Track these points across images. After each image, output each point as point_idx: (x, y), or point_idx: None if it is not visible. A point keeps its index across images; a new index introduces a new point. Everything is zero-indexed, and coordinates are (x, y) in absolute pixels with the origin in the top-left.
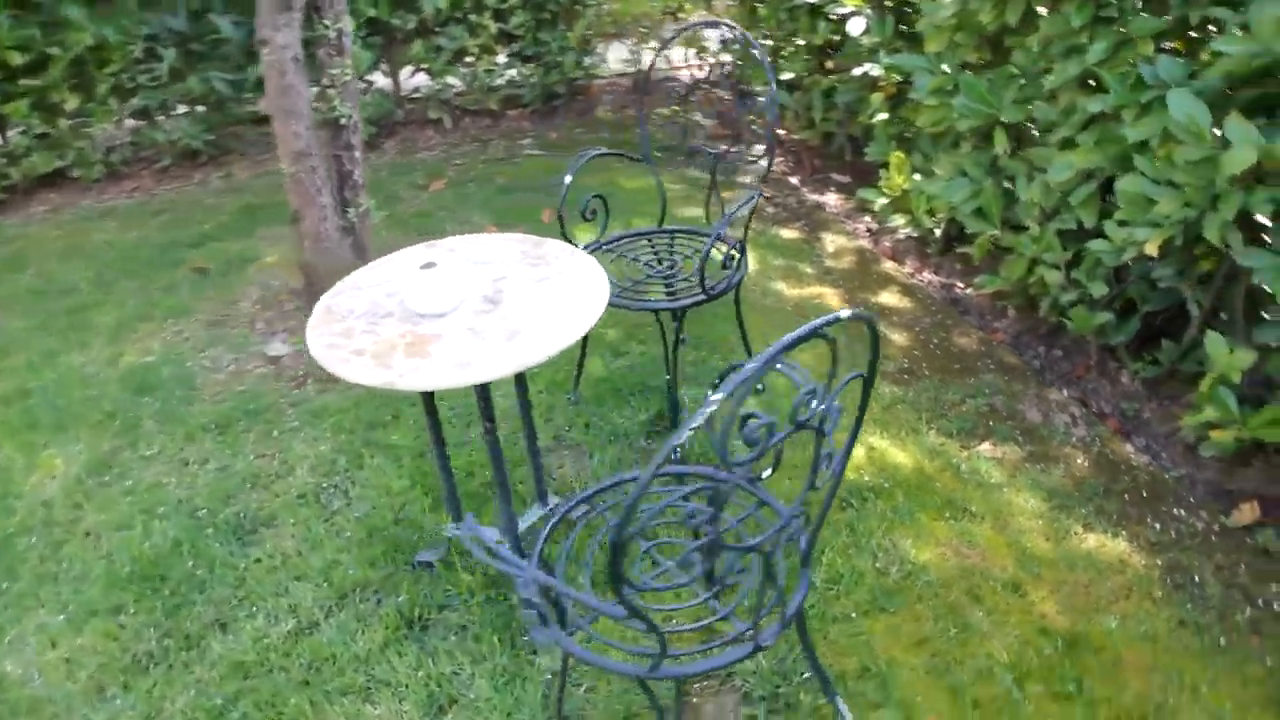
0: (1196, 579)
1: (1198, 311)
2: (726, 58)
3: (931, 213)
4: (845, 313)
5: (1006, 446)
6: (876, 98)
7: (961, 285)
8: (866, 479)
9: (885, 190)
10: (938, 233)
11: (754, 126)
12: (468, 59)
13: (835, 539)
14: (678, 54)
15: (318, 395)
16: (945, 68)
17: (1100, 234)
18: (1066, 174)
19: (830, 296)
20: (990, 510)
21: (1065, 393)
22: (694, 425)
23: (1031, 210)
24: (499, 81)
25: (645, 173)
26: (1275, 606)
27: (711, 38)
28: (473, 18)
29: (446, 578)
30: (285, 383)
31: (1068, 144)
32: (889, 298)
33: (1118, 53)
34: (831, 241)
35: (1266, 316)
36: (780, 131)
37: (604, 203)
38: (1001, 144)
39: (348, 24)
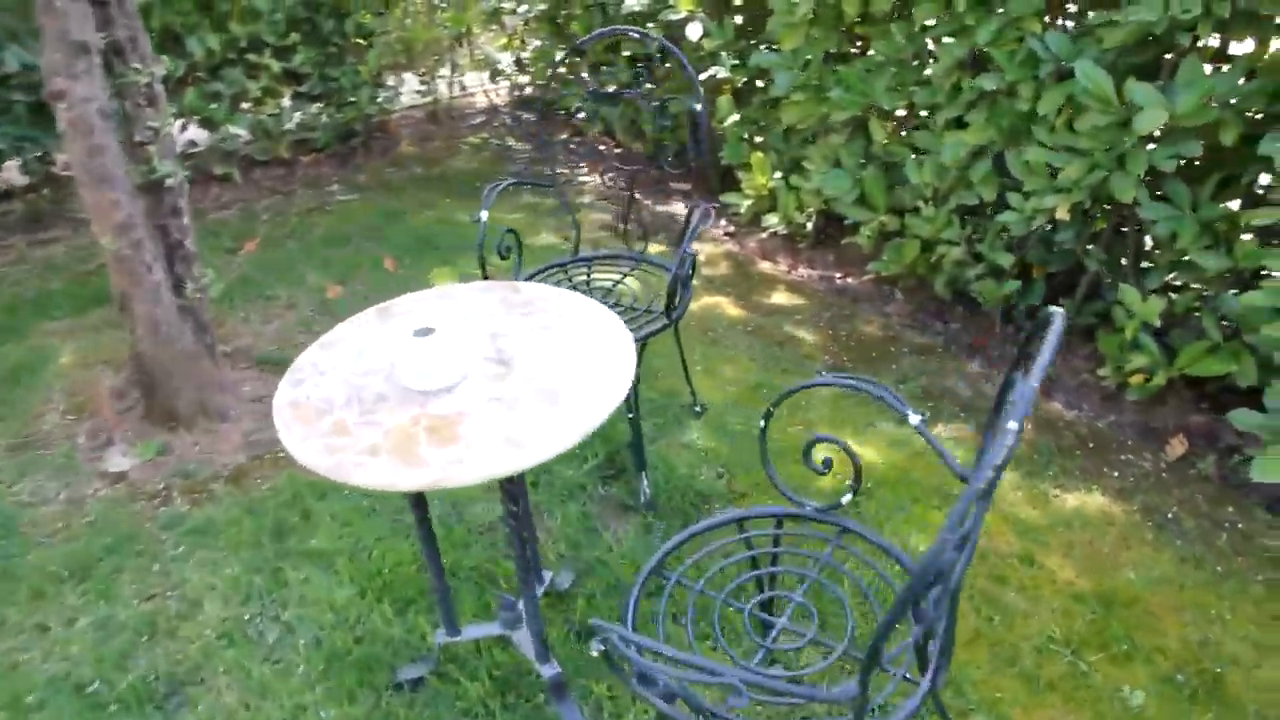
0: (1171, 516)
1: (1095, 267)
2: (524, 79)
3: (801, 208)
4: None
5: (957, 425)
6: (725, 101)
7: (840, 275)
8: (847, 481)
9: (749, 191)
10: (809, 227)
11: (573, 144)
12: (249, 104)
13: None
14: (472, 79)
15: (193, 509)
16: (809, 59)
17: (998, 208)
18: (960, 152)
19: (726, 305)
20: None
21: (977, 365)
22: (1001, 461)
23: (924, 191)
24: (288, 126)
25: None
26: (1240, 526)
27: (505, 61)
28: (251, 57)
29: (448, 692)
30: (144, 502)
31: (956, 124)
32: (780, 297)
33: (1003, 33)
34: (698, 250)
35: (1149, 265)
36: (600, 147)
37: (517, 238)
38: (880, 132)
39: (161, 68)
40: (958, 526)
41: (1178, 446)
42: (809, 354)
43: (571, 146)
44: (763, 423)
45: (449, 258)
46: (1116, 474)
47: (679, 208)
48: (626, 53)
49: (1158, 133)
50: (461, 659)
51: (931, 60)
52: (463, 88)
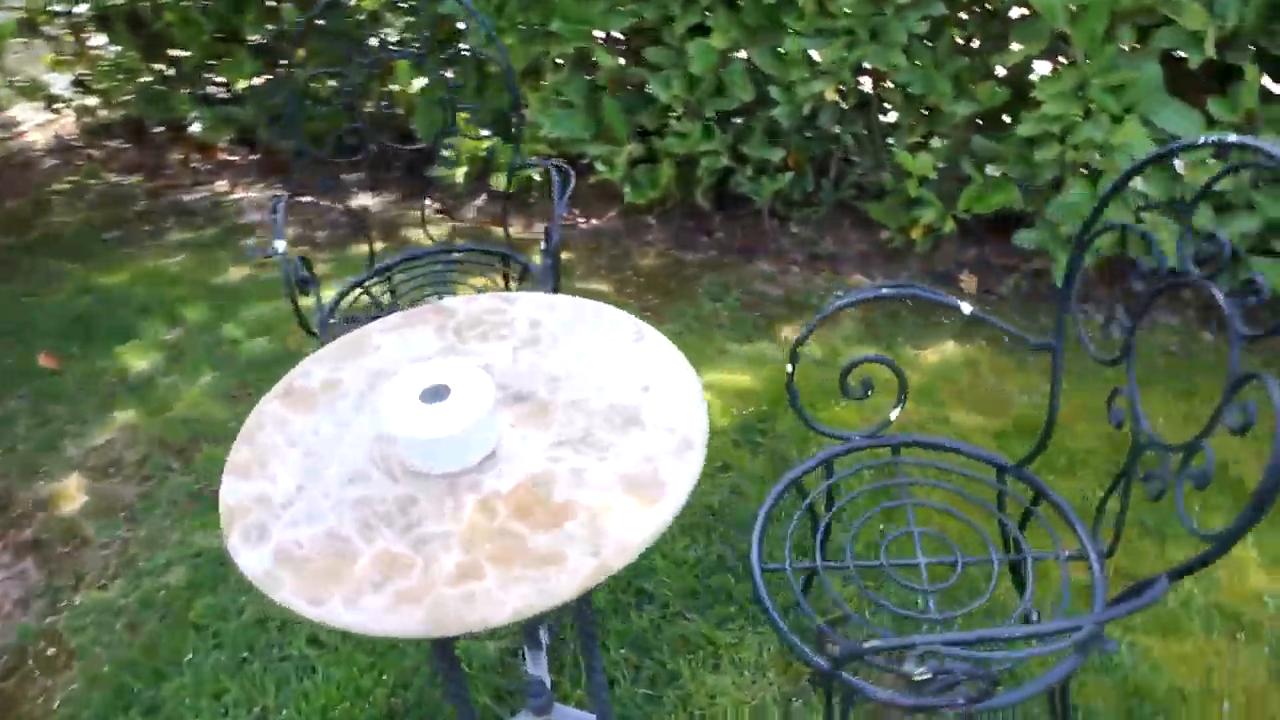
0: (1007, 340)
1: (851, 142)
2: (93, 100)
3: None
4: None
5: (799, 323)
6: (404, 66)
7: (583, 217)
8: (766, 408)
9: (462, 160)
10: (537, 177)
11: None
12: None
13: None
14: (22, 112)
15: None
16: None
17: (757, 107)
18: (711, 58)
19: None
20: (924, 388)
21: (765, 265)
22: None
23: (676, 108)
24: None
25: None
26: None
27: (60, 83)
28: None
29: None
30: None
31: (697, 32)
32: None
33: None
34: (432, 238)
35: (895, 126)
36: (231, 157)
37: (308, 264)
38: (607, 58)
39: None
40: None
41: (970, 282)
42: (620, 302)
43: (204, 165)
44: (790, 366)
45: (133, 329)
46: (945, 320)
47: (371, 200)
48: (256, 38)
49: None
50: None
51: None
52: (8, 128)
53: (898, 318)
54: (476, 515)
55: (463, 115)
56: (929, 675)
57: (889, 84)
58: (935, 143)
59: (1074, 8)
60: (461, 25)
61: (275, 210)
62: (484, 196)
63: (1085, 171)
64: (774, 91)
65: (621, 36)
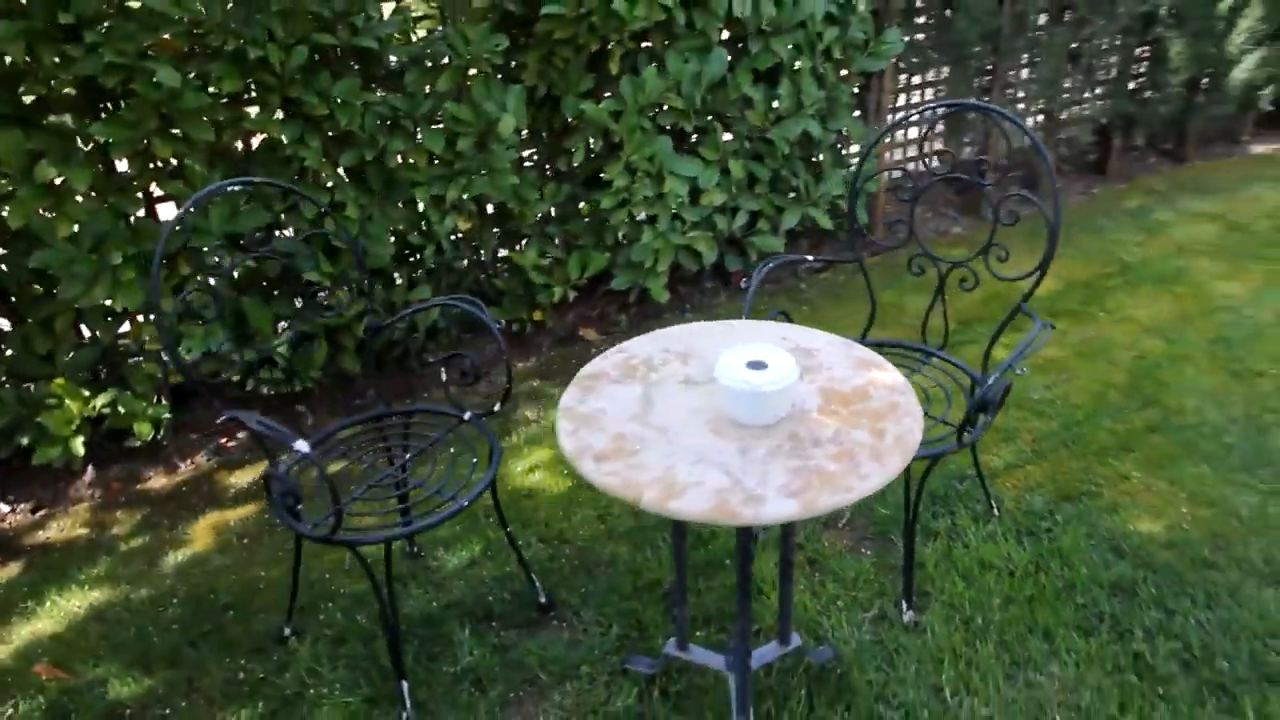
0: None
1: (464, 263)
2: None
3: None
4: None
5: None
6: None
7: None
8: None
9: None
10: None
11: None
12: None
13: None
14: None
15: None
16: None
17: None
18: (352, 228)
19: None
20: None
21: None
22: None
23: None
24: None
25: None
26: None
27: None
28: None
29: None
30: None
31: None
32: None
33: None
34: None
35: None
36: None
37: None
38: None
39: None
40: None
41: (590, 332)
42: None
43: None
44: None
45: None
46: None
47: None
48: None
49: None
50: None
51: None
52: None
53: None
54: (760, 458)
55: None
56: None
57: (489, 206)
58: (525, 241)
59: (617, 118)
60: None
61: None
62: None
63: (644, 220)
64: (414, 238)
65: None
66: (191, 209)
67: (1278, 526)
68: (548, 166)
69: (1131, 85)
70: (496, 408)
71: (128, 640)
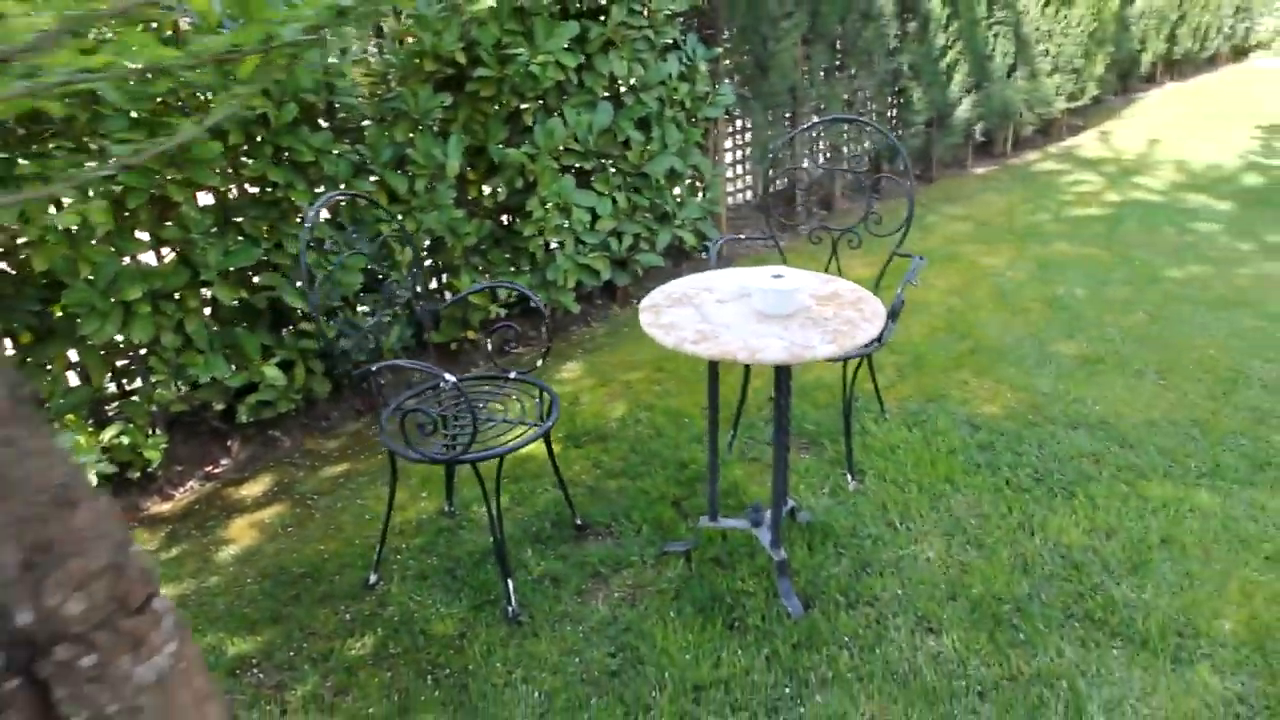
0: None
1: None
2: None
3: None
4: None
5: None
6: None
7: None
8: None
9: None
10: None
11: None
12: None
13: None
14: None
15: None
16: None
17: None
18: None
19: None
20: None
21: None
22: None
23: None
24: None
25: None
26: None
27: None
28: None
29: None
30: None
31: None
32: None
33: None
34: None
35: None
36: None
37: None
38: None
39: None
40: None
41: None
42: None
43: None
44: None
45: None
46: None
47: None
48: None
49: None
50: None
51: None
52: None
53: None
54: (797, 329)
55: None
56: None
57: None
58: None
59: (532, 160)
60: None
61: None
62: None
63: (559, 247)
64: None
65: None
66: (314, 213)
67: (1065, 397)
68: (472, 204)
69: (891, 124)
70: (539, 363)
71: (220, 615)
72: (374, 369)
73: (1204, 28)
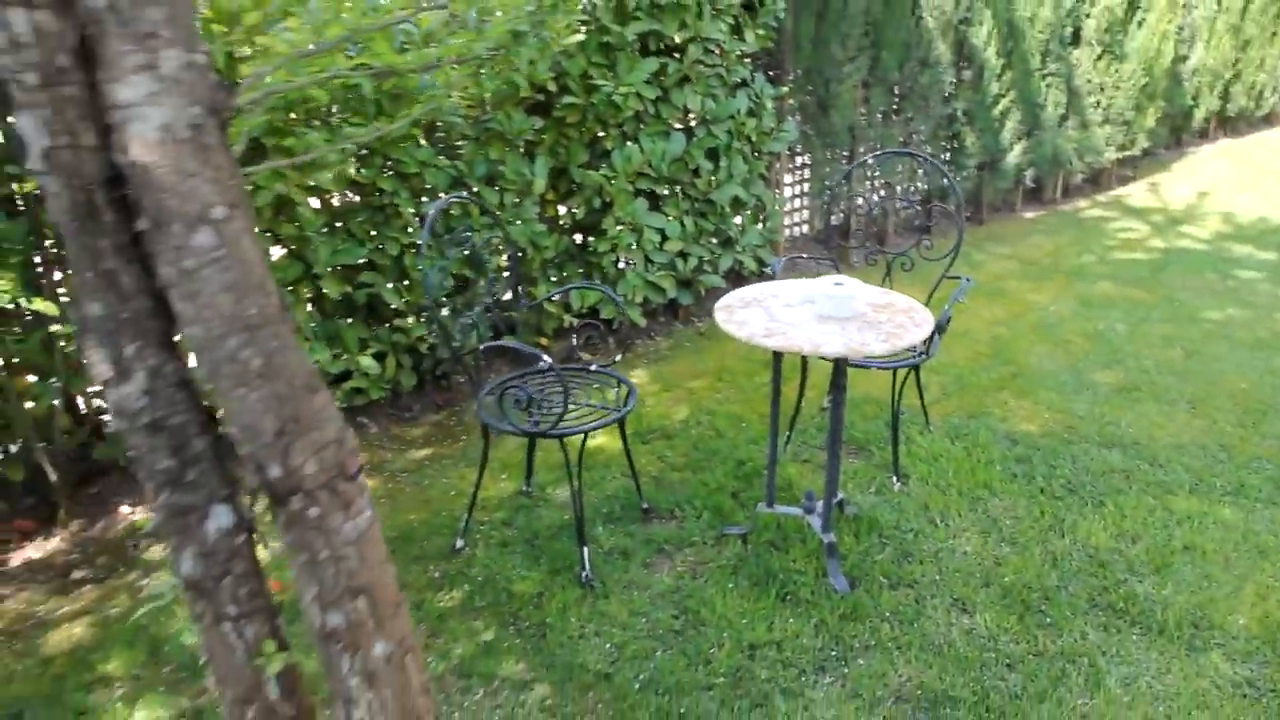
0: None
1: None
2: None
3: None
4: None
5: None
6: None
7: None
8: None
9: None
10: None
11: None
12: None
13: None
14: None
15: None
16: None
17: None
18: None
19: None
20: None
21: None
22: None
23: (402, 308)
24: None
25: None
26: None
27: None
28: None
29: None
30: None
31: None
32: None
33: None
34: None
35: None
36: None
37: None
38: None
39: None
40: None
41: (589, 354)
42: None
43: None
44: None
45: None
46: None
47: None
48: None
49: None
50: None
51: None
52: None
53: None
54: (854, 330)
55: None
56: None
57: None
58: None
59: (610, 182)
60: None
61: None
62: None
63: (630, 265)
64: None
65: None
66: (435, 211)
67: (1100, 420)
68: (551, 221)
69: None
70: (618, 357)
71: None
72: (481, 347)
73: (1259, 86)
